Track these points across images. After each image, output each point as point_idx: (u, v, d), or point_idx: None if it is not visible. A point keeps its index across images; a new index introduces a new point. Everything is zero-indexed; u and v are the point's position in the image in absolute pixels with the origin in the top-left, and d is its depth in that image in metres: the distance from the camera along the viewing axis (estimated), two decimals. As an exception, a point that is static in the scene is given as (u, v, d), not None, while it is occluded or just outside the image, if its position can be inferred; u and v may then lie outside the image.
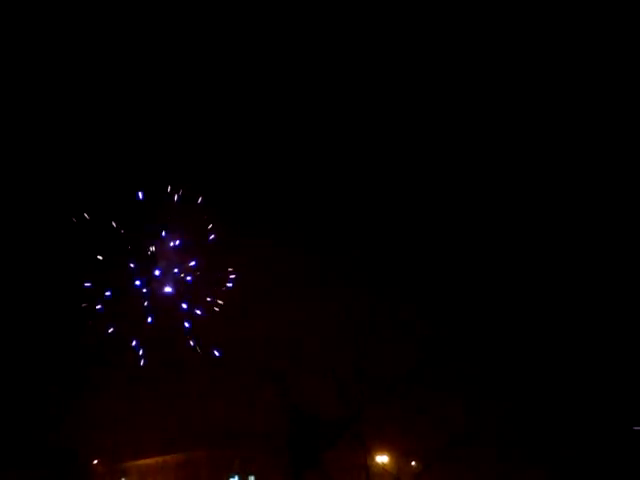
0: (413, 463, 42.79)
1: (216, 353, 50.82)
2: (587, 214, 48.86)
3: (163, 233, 52.72)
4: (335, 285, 48.91)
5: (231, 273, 55.31)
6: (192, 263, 54.59)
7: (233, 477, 54.33)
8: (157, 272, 53.76)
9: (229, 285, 54.84)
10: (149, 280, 54.85)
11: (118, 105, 50.72)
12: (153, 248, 52.97)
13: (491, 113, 51.85)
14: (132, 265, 54.13)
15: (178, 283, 55.77)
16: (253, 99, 53.93)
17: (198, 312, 54.81)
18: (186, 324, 54.70)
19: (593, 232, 47.88)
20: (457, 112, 52.78)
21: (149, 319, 52.76)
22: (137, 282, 54.01)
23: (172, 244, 53.74)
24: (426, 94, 52.70)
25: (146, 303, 55.17)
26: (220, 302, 54.61)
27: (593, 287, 46.93)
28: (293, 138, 53.91)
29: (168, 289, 53.56)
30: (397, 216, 52.77)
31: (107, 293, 52.65)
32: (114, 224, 49.81)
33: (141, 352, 50.45)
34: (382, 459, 42.28)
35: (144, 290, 54.41)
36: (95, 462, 48.89)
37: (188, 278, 55.45)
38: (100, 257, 49.84)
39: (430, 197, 52.86)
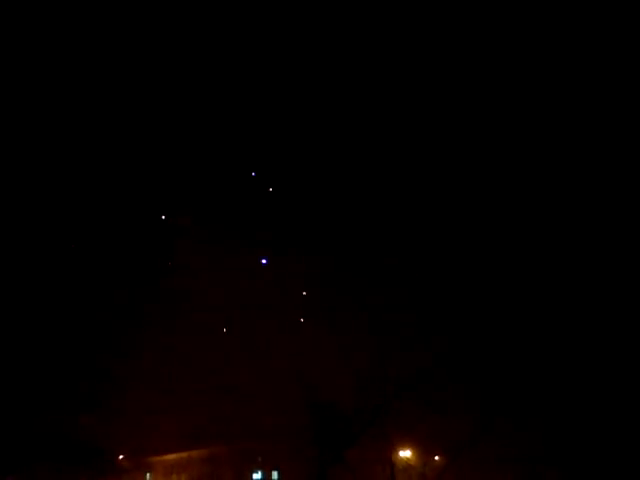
0: (437, 458, 42.93)
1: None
2: (589, 211, 48.64)
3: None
4: (358, 285, 49.17)
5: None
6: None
7: (256, 472, 54.72)
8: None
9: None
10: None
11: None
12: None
13: (488, 111, 51.70)
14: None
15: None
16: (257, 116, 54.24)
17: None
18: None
19: (597, 231, 47.70)
20: (456, 110, 52.74)
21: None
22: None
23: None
24: (426, 93, 52.68)
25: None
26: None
27: (604, 285, 46.70)
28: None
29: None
30: (411, 220, 52.87)
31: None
32: None
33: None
34: (405, 454, 42.47)
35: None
36: (121, 457, 49.48)
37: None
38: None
39: (440, 198, 52.92)
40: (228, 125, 54.33)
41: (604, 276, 46.66)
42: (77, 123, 49.23)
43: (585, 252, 48.19)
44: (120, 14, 49.08)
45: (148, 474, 59.36)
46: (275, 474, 53.42)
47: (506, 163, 50.91)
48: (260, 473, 54.19)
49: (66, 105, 48.66)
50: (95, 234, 48.59)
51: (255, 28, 52.43)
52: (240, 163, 54.97)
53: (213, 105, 54.32)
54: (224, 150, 54.13)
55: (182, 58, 52.29)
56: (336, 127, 53.93)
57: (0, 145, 43.67)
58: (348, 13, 51.03)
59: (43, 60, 47.19)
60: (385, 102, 53.49)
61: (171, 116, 52.42)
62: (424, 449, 42.96)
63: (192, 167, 53.38)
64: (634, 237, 46.00)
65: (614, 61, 47.66)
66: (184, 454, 57.29)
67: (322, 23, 51.67)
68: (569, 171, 49.42)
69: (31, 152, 46.26)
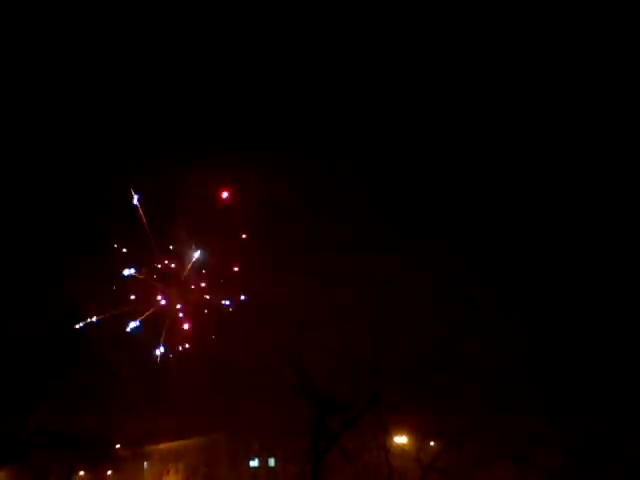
0: (432, 443, 43.13)
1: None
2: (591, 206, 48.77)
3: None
4: (352, 268, 49.22)
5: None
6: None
7: (253, 460, 55.08)
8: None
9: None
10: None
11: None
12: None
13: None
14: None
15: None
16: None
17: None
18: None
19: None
20: (456, 108, 52.75)
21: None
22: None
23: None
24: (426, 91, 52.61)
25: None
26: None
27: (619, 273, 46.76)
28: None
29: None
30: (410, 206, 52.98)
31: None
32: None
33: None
34: (401, 440, 42.66)
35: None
36: (118, 446, 49.64)
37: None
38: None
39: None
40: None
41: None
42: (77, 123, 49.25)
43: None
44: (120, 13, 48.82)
45: (145, 463, 59.70)
46: (272, 461, 53.78)
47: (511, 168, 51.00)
48: (257, 460, 54.57)
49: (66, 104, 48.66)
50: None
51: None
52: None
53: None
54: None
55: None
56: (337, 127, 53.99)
57: None
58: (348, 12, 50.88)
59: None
60: (385, 102, 53.55)
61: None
62: (420, 435, 43.16)
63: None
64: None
65: (614, 61, 47.76)
66: (181, 442, 57.65)
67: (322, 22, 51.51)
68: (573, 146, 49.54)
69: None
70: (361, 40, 51.64)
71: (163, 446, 59.27)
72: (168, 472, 58.79)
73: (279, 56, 52.30)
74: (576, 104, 49.08)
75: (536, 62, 49.98)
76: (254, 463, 54.47)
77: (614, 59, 47.53)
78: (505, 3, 48.72)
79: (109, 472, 52.34)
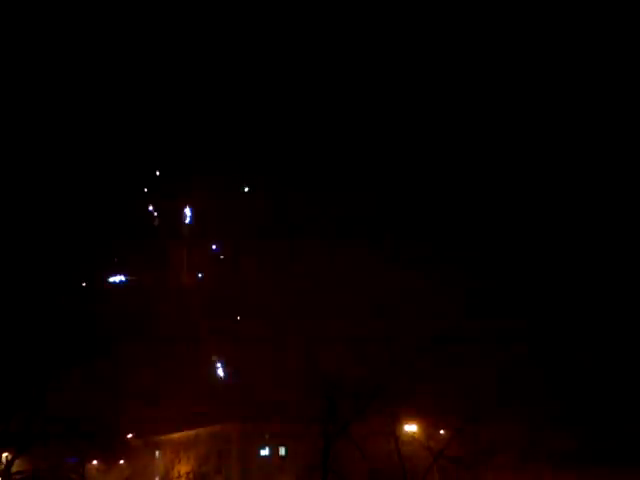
0: (442, 432, 43.20)
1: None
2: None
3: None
4: (364, 257, 49.32)
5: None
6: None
7: (264, 449, 55.31)
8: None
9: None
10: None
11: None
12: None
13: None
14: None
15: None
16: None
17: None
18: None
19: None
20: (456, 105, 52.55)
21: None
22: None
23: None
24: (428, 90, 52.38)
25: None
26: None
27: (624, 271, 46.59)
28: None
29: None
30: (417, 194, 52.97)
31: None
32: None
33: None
34: (411, 428, 42.74)
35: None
36: (130, 436, 50.00)
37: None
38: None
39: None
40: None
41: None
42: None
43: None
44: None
45: (157, 452, 60.10)
46: (282, 450, 53.98)
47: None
48: (267, 449, 54.79)
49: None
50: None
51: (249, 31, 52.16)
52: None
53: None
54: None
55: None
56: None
57: None
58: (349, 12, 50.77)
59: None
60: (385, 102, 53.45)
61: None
62: (430, 423, 43.21)
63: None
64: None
65: (614, 61, 47.50)
66: (192, 432, 57.95)
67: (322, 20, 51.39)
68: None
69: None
70: (361, 54, 51.92)
71: (175, 435, 59.66)
72: (180, 461, 59.22)
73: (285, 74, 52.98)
74: (576, 108, 48.98)
75: (536, 69, 49.97)
76: (265, 452, 54.75)
77: (614, 59, 47.39)
78: (505, 3, 48.66)
79: (121, 461, 52.72)
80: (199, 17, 51.25)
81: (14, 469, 36.12)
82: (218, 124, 54.25)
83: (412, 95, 52.79)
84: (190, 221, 57.77)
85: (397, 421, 40.07)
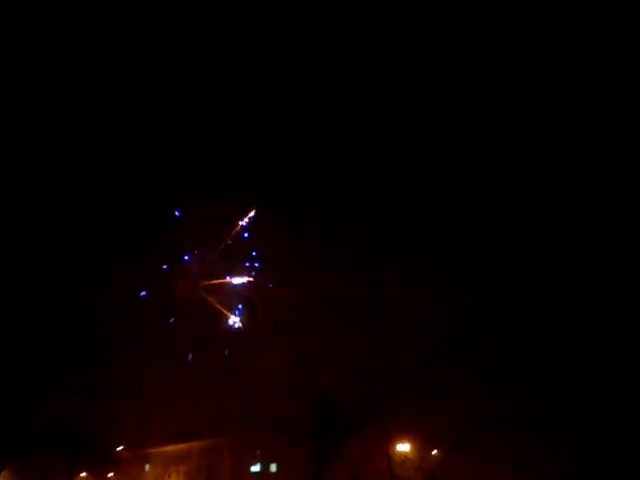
0: (434, 452, 42.92)
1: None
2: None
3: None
4: (358, 272, 49.27)
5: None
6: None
7: (255, 465, 54.82)
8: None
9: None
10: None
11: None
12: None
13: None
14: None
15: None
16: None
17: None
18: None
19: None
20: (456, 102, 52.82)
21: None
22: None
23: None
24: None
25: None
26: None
27: (613, 283, 46.52)
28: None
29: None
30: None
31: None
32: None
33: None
34: (404, 447, 42.43)
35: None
36: (120, 448, 49.59)
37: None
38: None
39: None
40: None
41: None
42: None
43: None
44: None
45: (147, 465, 59.57)
46: (273, 466, 53.51)
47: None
48: (259, 465, 54.31)
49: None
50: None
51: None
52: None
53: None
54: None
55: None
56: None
57: None
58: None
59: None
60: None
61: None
62: (423, 443, 42.93)
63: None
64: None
65: (614, 61, 47.76)
66: (183, 446, 57.47)
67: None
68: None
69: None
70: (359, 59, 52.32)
71: (165, 449, 59.15)
72: (170, 475, 58.66)
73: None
74: (575, 108, 49.14)
75: (536, 69, 50.23)
76: (256, 468, 54.25)
77: (614, 59, 47.62)
78: (505, 3, 48.98)
79: (110, 474, 52.26)
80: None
81: (1, 480, 35.79)
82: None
83: (415, 91, 52.73)
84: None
85: (390, 440, 39.80)
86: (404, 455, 42.04)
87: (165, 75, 52.23)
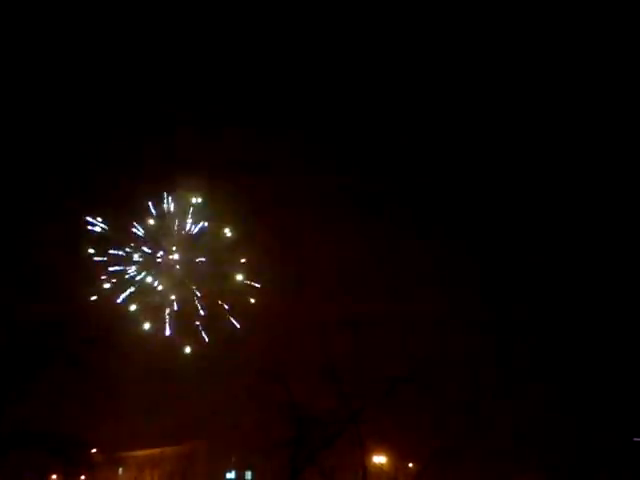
0: (410, 465, 42.74)
1: None
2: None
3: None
4: (334, 284, 49.21)
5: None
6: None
7: (230, 472, 54.38)
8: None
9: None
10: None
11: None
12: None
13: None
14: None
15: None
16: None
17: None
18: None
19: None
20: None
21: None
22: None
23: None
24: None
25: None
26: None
27: (602, 293, 46.65)
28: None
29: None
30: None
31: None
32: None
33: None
34: (380, 459, 42.21)
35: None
36: (94, 451, 48.88)
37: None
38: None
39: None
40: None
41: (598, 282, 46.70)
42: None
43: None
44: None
45: (120, 469, 58.88)
46: (249, 474, 53.11)
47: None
48: (233, 472, 53.88)
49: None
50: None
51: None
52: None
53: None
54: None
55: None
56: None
57: None
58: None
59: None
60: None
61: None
62: (398, 455, 42.76)
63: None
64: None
65: (614, 61, 47.94)
66: (157, 450, 56.88)
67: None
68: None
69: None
70: (360, 56, 52.19)
71: (140, 452, 58.50)
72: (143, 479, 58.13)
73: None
74: (576, 107, 49.31)
75: (536, 69, 50.38)
76: (230, 475, 53.80)
77: (614, 59, 47.81)
78: (505, 3, 49.12)
79: (82, 477, 51.48)
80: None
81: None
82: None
83: (419, 92, 52.78)
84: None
85: (366, 452, 39.50)
86: (380, 467, 41.83)
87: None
